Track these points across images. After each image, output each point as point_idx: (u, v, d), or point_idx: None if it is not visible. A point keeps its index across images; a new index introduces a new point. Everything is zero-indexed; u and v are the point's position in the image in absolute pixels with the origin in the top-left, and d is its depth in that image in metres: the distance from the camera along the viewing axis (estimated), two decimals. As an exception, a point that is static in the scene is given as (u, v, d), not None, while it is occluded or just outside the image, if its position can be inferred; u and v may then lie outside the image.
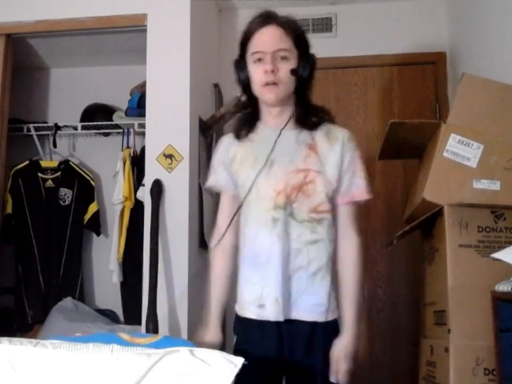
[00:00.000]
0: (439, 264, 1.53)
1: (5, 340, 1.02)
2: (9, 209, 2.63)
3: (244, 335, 1.31)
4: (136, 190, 2.54)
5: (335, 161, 1.28)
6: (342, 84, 2.78)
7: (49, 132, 2.80)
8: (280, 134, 1.29)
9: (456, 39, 2.55)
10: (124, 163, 2.60)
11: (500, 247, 1.40)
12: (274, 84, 1.25)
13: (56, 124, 2.79)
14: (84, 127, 2.78)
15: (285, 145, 1.28)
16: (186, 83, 2.23)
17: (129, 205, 2.56)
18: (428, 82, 2.70)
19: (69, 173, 2.76)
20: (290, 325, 1.26)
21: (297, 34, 1.30)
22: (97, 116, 2.78)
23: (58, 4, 2.36)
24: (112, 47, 2.68)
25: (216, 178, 1.40)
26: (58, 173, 2.75)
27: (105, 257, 2.64)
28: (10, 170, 2.67)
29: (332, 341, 1.28)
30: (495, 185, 1.49)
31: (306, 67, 1.28)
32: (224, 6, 2.85)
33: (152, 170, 2.20)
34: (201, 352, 0.99)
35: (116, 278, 2.55)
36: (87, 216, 2.74)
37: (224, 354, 0.99)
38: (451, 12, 2.63)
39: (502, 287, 1.24)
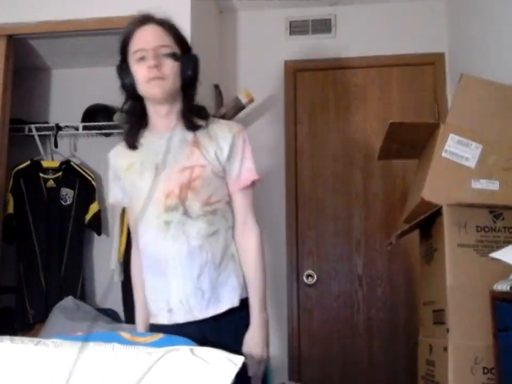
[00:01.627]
0: (438, 264, 1.53)
1: (7, 339, 1.03)
2: (10, 209, 2.63)
3: None
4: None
5: (218, 154, 1.29)
6: (342, 84, 2.78)
7: (50, 132, 2.81)
8: (171, 135, 1.29)
9: (455, 39, 2.56)
10: (125, 163, 2.61)
11: (499, 247, 1.40)
12: (160, 78, 1.25)
13: (57, 124, 2.80)
14: (85, 127, 2.79)
15: (170, 148, 1.29)
16: (186, 84, 2.24)
17: (130, 205, 2.56)
18: (427, 83, 2.70)
19: (70, 173, 2.77)
20: (212, 322, 1.27)
21: (176, 33, 1.32)
22: (98, 116, 2.79)
23: (60, 5, 2.37)
24: (113, 48, 2.66)
25: (114, 194, 1.41)
26: (60, 173, 2.76)
27: (106, 257, 2.65)
28: (12, 170, 2.68)
29: (241, 328, 1.28)
30: (494, 185, 1.50)
31: (189, 63, 1.30)
32: (225, 7, 2.85)
33: (153, 170, 2.20)
34: (201, 351, 0.99)
35: (117, 277, 2.56)
36: (88, 216, 2.74)
37: (224, 353, 0.99)
38: (450, 13, 2.64)
39: (501, 287, 1.25)
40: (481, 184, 1.50)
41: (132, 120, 1.36)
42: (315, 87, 2.80)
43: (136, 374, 0.96)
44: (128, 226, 2.55)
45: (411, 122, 1.72)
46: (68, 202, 2.73)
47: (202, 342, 1.17)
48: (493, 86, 1.59)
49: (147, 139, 1.34)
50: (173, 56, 1.27)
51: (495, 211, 1.47)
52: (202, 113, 1.34)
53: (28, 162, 2.75)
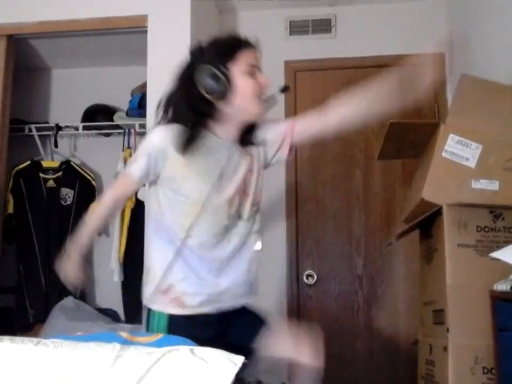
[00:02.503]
0: (438, 264, 1.53)
1: (6, 339, 1.03)
2: (10, 209, 2.64)
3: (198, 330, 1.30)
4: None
5: (262, 153, 1.41)
6: (342, 84, 2.78)
7: (50, 132, 2.81)
8: (232, 147, 1.35)
9: (455, 39, 2.55)
10: (125, 163, 2.61)
11: (499, 247, 1.40)
12: (265, 100, 1.36)
13: (57, 124, 2.80)
14: (85, 128, 2.79)
15: (232, 158, 1.34)
16: (186, 84, 2.24)
17: (130, 204, 2.57)
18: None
19: (70, 173, 2.77)
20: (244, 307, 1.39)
21: None
22: (98, 116, 2.79)
23: (60, 5, 2.37)
24: (113, 48, 2.69)
25: (142, 169, 1.31)
26: (60, 173, 2.76)
27: (106, 257, 2.65)
28: (12, 171, 2.68)
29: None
30: (494, 185, 1.50)
31: None
32: (225, 7, 2.85)
33: (153, 170, 2.20)
34: (201, 350, 0.99)
35: (116, 277, 2.57)
36: (88, 216, 2.74)
37: (224, 353, 0.99)
38: (450, 13, 2.64)
39: (501, 286, 1.25)
40: (481, 184, 1.50)
41: (196, 123, 1.30)
42: (315, 87, 2.80)
43: (136, 374, 0.96)
44: (127, 226, 2.57)
45: (411, 122, 1.72)
46: (68, 203, 2.73)
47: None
48: (493, 86, 1.59)
49: (209, 143, 1.31)
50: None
51: (495, 211, 1.48)
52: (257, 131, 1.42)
53: (28, 162, 2.75)
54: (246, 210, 1.36)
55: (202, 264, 1.34)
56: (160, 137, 1.32)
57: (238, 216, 1.35)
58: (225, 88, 1.26)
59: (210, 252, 1.34)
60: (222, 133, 1.34)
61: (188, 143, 1.27)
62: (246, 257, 1.37)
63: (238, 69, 1.30)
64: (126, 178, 1.39)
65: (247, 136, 1.38)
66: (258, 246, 1.41)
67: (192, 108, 1.29)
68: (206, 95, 1.27)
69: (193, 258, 1.34)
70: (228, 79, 1.27)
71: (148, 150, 1.32)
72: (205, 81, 1.26)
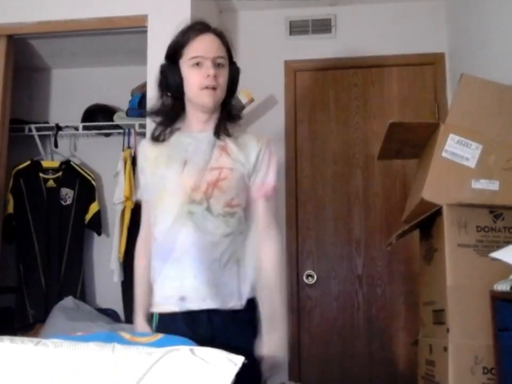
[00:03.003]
0: (438, 264, 1.53)
1: (6, 339, 1.03)
2: (10, 209, 2.64)
3: (166, 330, 1.30)
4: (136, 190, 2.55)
5: (245, 161, 1.36)
6: (342, 84, 2.78)
7: (50, 132, 2.81)
8: (202, 137, 1.35)
9: (456, 39, 2.56)
10: (125, 163, 2.61)
11: (499, 247, 1.40)
12: (213, 88, 1.32)
13: (57, 124, 2.80)
14: (85, 128, 2.79)
15: (199, 147, 1.36)
16: (186, 84, 2.24)
17: (130, 205, 2.57)
18: (427, 83, 2.70)
19: (70, 173, 2.77)
20: (209, 314, 1.30)
21: (228, 45, 1.39)
22: (98, 116, 2.79)
23: (60, 5, 2.37)
24: (113, 48, 2.69)
25: (144, 188, 1.45)
26: (60, 173, 2.76)
27: (106, 257, 2.65)
28: (12, 170, 2.69)
29: (249, 326, 1.32)
30: (494, 185, 1.49)
31: (235, 75, 1.40)
32: (225, 7, 2.85)
33: (153, 170, 2.20)
34: (201, 351, 0.99)
35: (116, 277, 2.57)
36: (88, 216, 2.75)
37: (224, 353, 0.99)
38: (450, 13, 2.64)
39: (501, 287, 1.25)
40: (481, 184, 1.50)
41: (164, 117, 1.41)
42: (315, 87, 2.80)
43: (136, 374, 0.96)
44: (127, 226, 2.58)
45: (411, 122, 1.72)
46: (68, 202, 2.73)
47: (212, 332, 1.27)
48: (493, 86, 1.59)
49: (176, 136, 1.40)
50: (233, 73, 1.37)
51: (495, 211, 1.47)
52: (237, 121, 1.42)
53: (28, 162, 2.75)
54: (218, 206, 1.32)
55: (165, 254, 1.33)
56: (139, 151, 1.48)
57: (207, 208, 1.32)
58: (175, 83, 1.35)
59: (173, 238, 1.32)
60: (192, 126, 1.39)
61: (155, 135, 1.39)
62: (210, 257, 1.31)
63: (185, 64, 1.35)
64: (142, 205, 1.47)
65: (221, 128, 1.37)
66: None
67: (161, 106, 1.41)
68: (161, 90, 1.39)
69: (158, 250, 1.36)
70: (176, 75, 1.35)
71: (139, 168, 1.46)
72: (161, 81, 1.39)
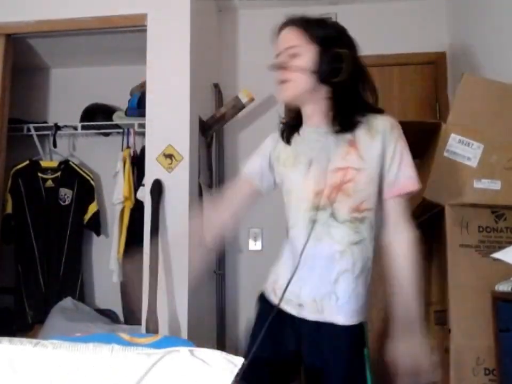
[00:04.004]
0: (440, 264, 1.53)
1: (5, 340, 1.02)
2: (9, 209, 2.63)
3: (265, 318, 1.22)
4: (136, 190, 2.54)
5: (377, 155, 1.20)
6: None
7: (49, 132, 2.80)
8: (327, 132, 1.22)
9: (457, 38, 2.55)
10: (124, 163, 2.60)
11: (501, 247, 1.39)
12: (283, 81, 1.23)
13: (56, 124, 2.79)
14: (84, 127, 2.78)
15: (325, 144, 1.22)
16: (186, 83, 2.23)
17: (129, 205, 2.56)
18: (428, 82, 2.70)
19: (69, 173, 2.76)
20: (338, 328, 1.21)
21: (313, 30, 1.26)
22: (97, 116, 2.78)
23: (58, 4, 2.36)
24: (112, 47, 2.68)
25: (253, 166, 1.36)
26: (58, 173, 2.75)
27: (105, 257, 2.64)
28: (11, 170, 2.67)
29: (358, 343, 1.24)
30: (496, 185, 1.49)
31: (325, 61, 1.20)
32: (224, 6, 2.85)
33: (152, 170, 2.20)
34: (201, 352, 0.98)
35: (116, 277, 2.55)
36: (87, 216, 2.74)
37: (224, 354, 0.98)
38: (451, 12, 2.63)
39: (502, 287, 1.24)
40: (483, 184, 1.49)
41: (291, 116, 1.34)
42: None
43: (136, 375, 0.95)
44: (126, 226, 2.56)
45: (412, 121, 1.71)
46: (67, 203, 2.72)
47: (330, 343, 1.19)
48: (494, 85, 1.59)
49: (304, 133, 1.29)
50: (314, 51, 1.21)
51: (497, 211, 1.47)
52: (361, 110, 1.25)
53: (27, 162, 2.74)
54: (343, 211, 1.19)
55: (294, 260, 1.24)
56: (268, 139, 1.39)
57: (332, 214, 1.20)
58: None
59: (296, 244, 1.23)
60: (309, 121, 1.28)
61: (288, 137, 1.30)
62: (339, 268, 1.19)
63: None
64: (238, 181, 1.40)
65: (344, 120, 1.22)
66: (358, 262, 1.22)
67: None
68: None
69: (289, 249, 1.29)
70: None
71: (260, 151, 1.38)
72: None
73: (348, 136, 1.22)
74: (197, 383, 0.93)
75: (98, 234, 2.77)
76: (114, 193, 2.60)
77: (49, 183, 2.74)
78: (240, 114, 2.59)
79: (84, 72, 2.95)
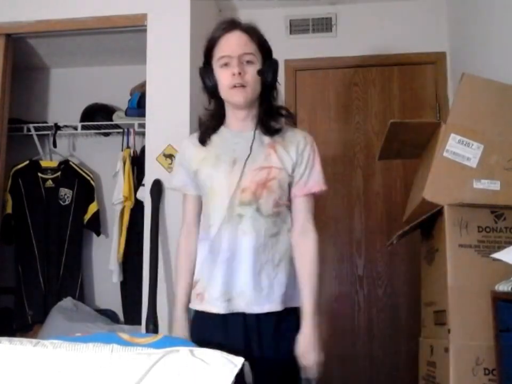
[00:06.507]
0: (439, 264, 1.53)
1: (5, 340, 1.02)
2: (9, 209, 2.63)
3: (206, 330, 1.33)
4: (136, 190, 2.54)
5: (291, 160, 1.36)
6: (342, 83, 2.78)
7: (49, 132, 2.80)
8: (254, 137, 1.35)
9: (457, 38, 2.55)
10: (124, 163, 2.60)
11: (500, 247, 1.39)
12: (242, 86, 1.32)
13: (56, 124, 2.79)
14: (83, 127, 2.78)
15: (247, 146, 1.34)
16: (186, 83, 2.23)
17: (129, 205, 2.56)
18: (428, 82, 2.70)
19: (69, 173, 2.76)
20: (257, 318, 1.30)
21: (260, 40, 1.38)
22: (97, 115, 2.78)
23: (58, 3, 2.36)
24: (112, 47, 2.68)
25: (180, 179, 1.45)
26: (58, 173, 2.75)
27: (105, 257, 2.64)
28: (10, 170, 2.68)
29: (297, 328, 1.32)
30: (495, 185, 1.49)
31: (269, 70, 1.35)
32: (224, 6, 2.85)
33: (152, 170, 2.20)
34: (201, 352, 0.99)
35: (115, 278, 2.56)
36: (87, 216, 2.74)
37: (224, 354, 0.99)
38: (451, 12, 2.63)
39: (502, 287, 1.24)
40: (482, 184, 1.49)
41: (211, 118, 1.42)
42: (315, 87, 2.79)
43: (136, 375, 0.95)
44: (126, 226, 2.57)
45: (412, 121, 1.71)
46: (67, 203, 2.73)
47: (259, 333, 1.28)
48: (494, 85, 1.59)
49: (223, 135, 1.40)
50: (258, 72, 1.33)
51: (497, 211, 1.47)
52: (284, 114, 1.41)
53: (27, 162, 2.74)
54: (268, 206, 1.32)
55: (214, 255, 1.33)
56: (183, 148, 1.46)
57: (257, 209, 1.31)
58: (210, 85, 1.36)
59: (222, 240, 1.31)
60: (232, 124, 1.40)
61: (204, 139, 1.39)
62: (263, 259, 1.31)
63: (215, 65, 1.36)
64: (184, 199, 1.46)
65: (268, 126, 1.37)
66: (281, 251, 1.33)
67: (208, 110, 1.43)
68: (206, 92, 1.40)
69: (208, 249, 1.35)
70: (211, 77, 1.36)
71: (178, 161, 1.46)
72: (202, 80, 1.39)
73: (267, 140, 1.36)
74: (197, 383, 0.93)
75: (98, 234, 2.78)
76: (114, 193, 2.60)
77: (49, 183, 2.74)
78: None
79: (84, 72, 2.95)
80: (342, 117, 2.75)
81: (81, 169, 2.78)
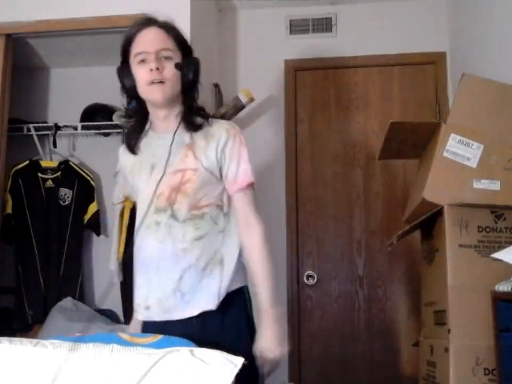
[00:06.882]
0: (439, 264, 1.53)
1: (5, 340, 1.02)
2: (9, 209, 2.62)
3: None
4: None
5: (213, 156, 1.29)
6: (342, 84, 2.78)
7: (49, 132, 2.80)
8: (173, 139, 1.30)
9: (457, 38, 2.55)
10: (124, 163, 2.60)
11: (500, 247, 1.40)
12: (161, 82, 1.26)
13: (56, 124, 2.79)
14: (84, 127, 2.78)
15: (166, 149, 1.29)
16: (186, 83, 2.23)
17: (129, 205, 2.55)
18: (428, 82, 2.70)
19: (69, 173, 2.75)
20: (181, 323, 1.26)
21: (178, 36, 1.33)
22: (97, 115, 2.78)
23: (58, 3, 2.36)
24: (112, 47, 2.66)
25: (124, 187, 1.45)
26: (58, 173, 2.75)
27: (105, 257, 2.64)
28: (10, 170, 2.67)
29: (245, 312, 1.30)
30: (495, 185, 1.49)
31: (190, 67, 1.30)
32: (224, 6, 2.85)
33: (152, 170, 2.20)
34: (201, 352, 0.99)
35: (116, 278, 2.55)
36: (87, 216, 2.73)
37: (224, 354, 0.99)
38: (451, 12, 2.63)
39: (502, 287, 1.24)
40: (482, 184, 1.49)
41: (134, 121, 1.38)
42: (315, 87, 2.79)
43: (136, 375, 0.95)
44: (126, 226, 2.57)
45: (412, 122, 1.71)
46: (67, 203, 2.72)
47: (201, 336, 1.20)
48: (494, 85, 1.59)
49: (147, 139, 1.36)
50: (176, 65, 1.28)
51: (497, 211, 1.47)
52: (202, 114, 1.35)
53: (27, 162, 2.74)
54: (183, 211, 1.27)
55: (137, 263, 1.33)
56: (119, 156, 1.43)
57: (172, 215, 1.27)
58: (129, 84, 1.31)
59: (141, 248, 1.30)
60: (155, 126, 1.35)
61: (130, 144, 1.35)
62: (184, 265, 1.26)
63: (133, 62, 1.31)
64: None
65: (190, 123, 1.31)
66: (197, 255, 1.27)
67: (129, 113, 1.39)
68: (124, 94, 1.35)
69: (136, 259, 1.35)
70: (129, 76, 1.31)
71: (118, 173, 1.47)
72: (120, 81, 1.33)
73: (186, 140, 1.31)
74: (197, 383, 0.93)
75: (98, 234, 2.77)
76: (114, 193, 2.60)
77: (49, 183, 2.73)
78: (240, 114, 2.59)
79: (84, 72, 2.94)
80: (342, 117, 2.75)
81: (81, 169, 2.78)
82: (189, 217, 1.27)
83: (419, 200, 1.57)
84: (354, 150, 2.71)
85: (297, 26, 2.81)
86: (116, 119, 2.74)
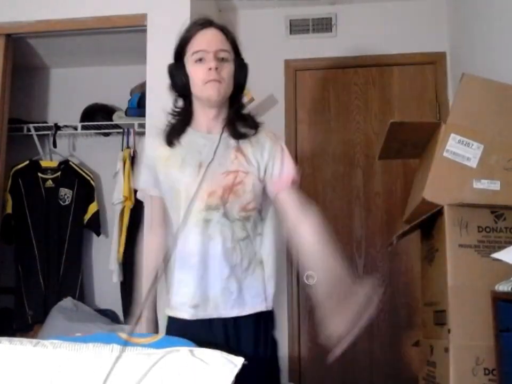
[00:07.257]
0: (439, 264, 1.53)
1: (5, 340, 1.02)
2: (9, 209, 2.63)
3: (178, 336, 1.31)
4: (136, 190, 2.54)
5: (260, 162, 1.33)
6: (342, 84, 2.78)
7: (49, 132, 2.80)
8: (220, 140, 1.32)
9: (457, 38, 2.55)
10: (124, 163, 2.60)
11: (500, 247, 1.39)
12: (217, 81, 1.28)
13: (56, 124, 2.79)
14: (84, 127, 2.78)
15: (213, 149, 1.31)
16: (186, 83, 2.23)
17: (129, 205, 2.56)
18: (428, 82, 2.70)
19: (69, 173, 2.76)
20: (233, 322, 1.29)
21: (233, 40, 1.37)
22: (97, 115, 2.78)
23: (58, 4, 2.36)
24: (112, 47, 2.69)
25: (145, 180, 1.42)
26: (58, 173, 2.75)
27: (105, 257, 2.64)
28: (10, 170, 2.68)
29: (271, 329, 1.34)
30: (495, 185, 1.49)
31: (243, 71, 1.34)
32: (224, 6, 2.85)
33: (152, 170, 2.20)
34: (201, 352, 0.99)
35: (115, 278, 2.56)
36: (87, 216, 2.74)
37: (224, 354, 0.99)
38: (451, 12, 2.63)
39: (502, 287, 1.24)
40: (482, 184, 1.49)
41: (177, 118, 1.39)
42: (315, 87, 2.79)
43: (136, 375, 0.95)
44: (126, 226, 2.57)
45: (412, 121, 1.71)
46: (67, 203, 2.73)
47: (225, 339, 1.27)
48: (494, 85, 1.59)
49: (189, 136, 1.36)
50: (234, 62, 1.32)
51: (497, 211, 1.47)
52: (250, 122, 1.37)
53: (27, 162, 2.74)
54: (234, 211, 1.30)
55: (182, 260, 1.32)
56: (147, 146, 1.44)
57: (224, 214, 1.29)
58: (181, 82, 1.32)
59: (190, 245, 1.29)
60: (201, 125, 1.36)
61: (171, 140, 1.35)
62: (230, 263, 1.29)
63: (189, 60, 1.32)
64: (151, 201, 1.43)
65: (236, 129, 1.34)
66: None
67: (173, 108, 1.40)
68: (173, 92, 1.37)
69: (176, 253, 1.33)
70: (182, 73, 1.32)
71: (144, 161, 1.43)
72: (170, 81, 1.36)
73: (233, 143, 1.33)
74: (197, 383, 0.93)
75: (98, 234, 2.78)
76: (114, 193, 2.61)
77: (49, 183, 2.74)
78: (240, 114, 2.59)
79: (84, 72, 2.95)
80: (342, 117, 2.75)
81: (81, 169, 2.78)
82: (238, 217, 1.31)
83: (419, 200, 1.57)
84: (354, 150, 2.71)
85: (297, 26, 2.81)
86: (116, 119, 2.75)
